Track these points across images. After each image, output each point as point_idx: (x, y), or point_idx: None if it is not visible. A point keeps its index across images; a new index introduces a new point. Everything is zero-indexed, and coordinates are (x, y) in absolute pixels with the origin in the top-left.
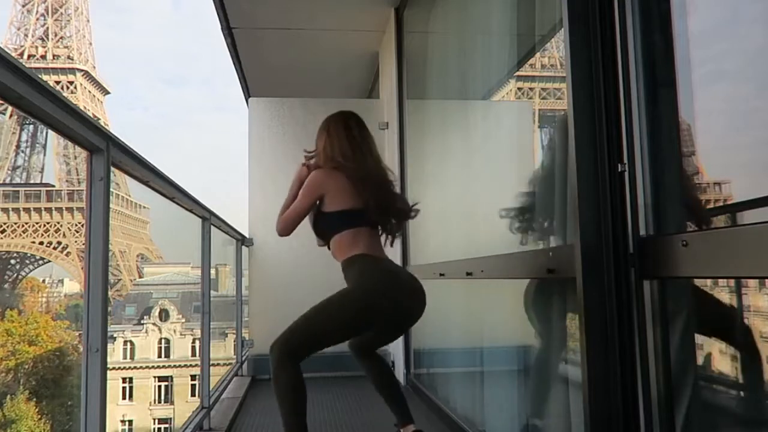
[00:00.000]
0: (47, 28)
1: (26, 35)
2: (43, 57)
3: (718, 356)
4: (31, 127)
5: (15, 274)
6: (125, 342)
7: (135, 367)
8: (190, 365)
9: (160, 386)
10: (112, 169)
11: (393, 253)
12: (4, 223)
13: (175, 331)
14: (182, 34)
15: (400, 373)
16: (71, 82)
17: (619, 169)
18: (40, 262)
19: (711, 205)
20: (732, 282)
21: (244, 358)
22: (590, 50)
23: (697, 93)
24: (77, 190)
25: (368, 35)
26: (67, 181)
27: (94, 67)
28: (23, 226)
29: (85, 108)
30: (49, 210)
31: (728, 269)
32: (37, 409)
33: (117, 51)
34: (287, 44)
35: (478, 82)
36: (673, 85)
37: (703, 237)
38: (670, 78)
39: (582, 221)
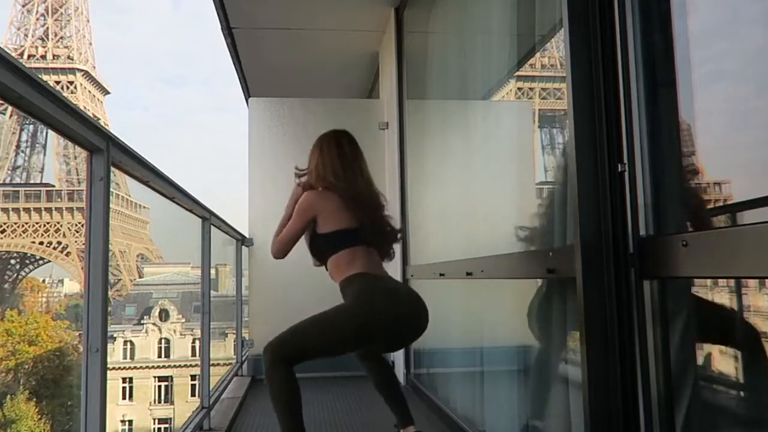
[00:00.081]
0: (47, 28)
1: (26, 35)
2: (43, 57)
3: (718, 356)
4: (31, 127)
5: (15, 274)
6: (125, 342)
7: (135, 367)
8: (190, 365)
9: (160, 386)
10: (112, 169)
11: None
12: (4, 223)
13: (175, 331)
14: (182, 34)
15: (400, 373)
16: (71, 82)
17: (619, 169)
18: (40, 262)
19: (711, 205)
20: (732, 282)
21: (244, 358)
22: (590, 50)
23: (697, 93)
24: (77, 190)
25: (368, 35)
26: (67, 181)
27: (94, 67)
28: (23, 226)
29: (85, 108)
30: (49, 210)
31: (728, 269)
32: (37, 409)
33: (117, 51)
34: (287, 44)
35: (478, 82)
36: (673, 85)
37: (703, 237)
38: (670, 78)
39: (582, 221)
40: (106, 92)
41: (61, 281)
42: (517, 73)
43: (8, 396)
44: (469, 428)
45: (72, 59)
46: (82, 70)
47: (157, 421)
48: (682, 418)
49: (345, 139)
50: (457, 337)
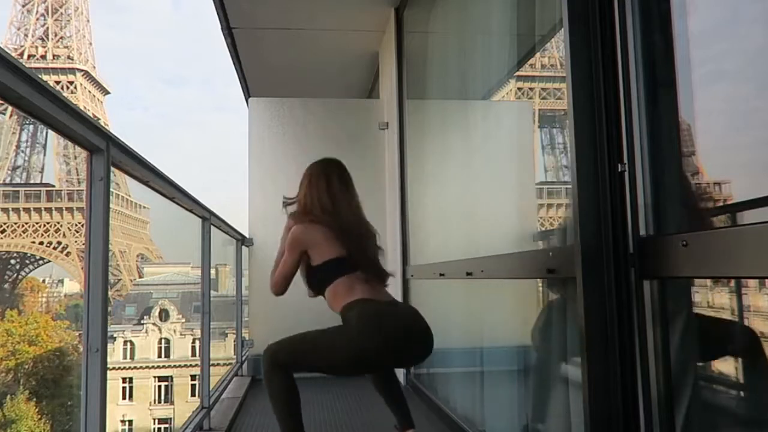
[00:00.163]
0: (47, 28)
1: (26, 35)
2: (43, 57)
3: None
4: (31, 127)
5: (15, 274)
6: (125, 342)
7: (135, 367)
8: (190, 365)
9: (160, 386)
10: (112, 169)
11: (393, 253)
12: (4, 223)
13: (175, 331)
14: (182, 34)
15: (400, 373)
16: (71, 82)
17: (619, 169)
18: (40, 262)
19: (711, 205)
20: (732, 282)
21: (244, 358)
22: (590, 50)
23: (697, 93)
24: (77, 190)
25: (368, 35)
26: (67, 181)
27: (94, 67)
28: (23, 226)
29: (85, 108)
30: (49, 210)
31: (728, 269)
32: (37, 409)
33: (117, 51)
34: (287, 44)
35: (478, 82)
36: (673, 85)
37: (703, 237)
38: (670, 78)
39: (582, 221)
40: (106, 92)
41: (61, 281)
42: (517, 73)
43: (8, 396)
44: (469, 428)
45: (72, 59)
46: (82, 70)
47: (157, 421)
48: (682, 418)
49: (334, 172)
50: (457, 337)
